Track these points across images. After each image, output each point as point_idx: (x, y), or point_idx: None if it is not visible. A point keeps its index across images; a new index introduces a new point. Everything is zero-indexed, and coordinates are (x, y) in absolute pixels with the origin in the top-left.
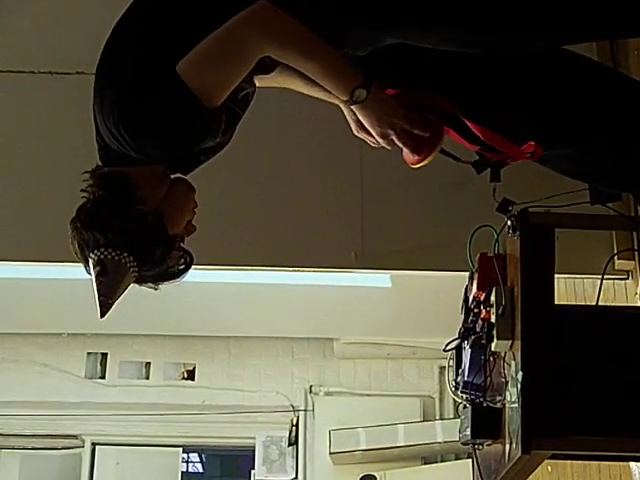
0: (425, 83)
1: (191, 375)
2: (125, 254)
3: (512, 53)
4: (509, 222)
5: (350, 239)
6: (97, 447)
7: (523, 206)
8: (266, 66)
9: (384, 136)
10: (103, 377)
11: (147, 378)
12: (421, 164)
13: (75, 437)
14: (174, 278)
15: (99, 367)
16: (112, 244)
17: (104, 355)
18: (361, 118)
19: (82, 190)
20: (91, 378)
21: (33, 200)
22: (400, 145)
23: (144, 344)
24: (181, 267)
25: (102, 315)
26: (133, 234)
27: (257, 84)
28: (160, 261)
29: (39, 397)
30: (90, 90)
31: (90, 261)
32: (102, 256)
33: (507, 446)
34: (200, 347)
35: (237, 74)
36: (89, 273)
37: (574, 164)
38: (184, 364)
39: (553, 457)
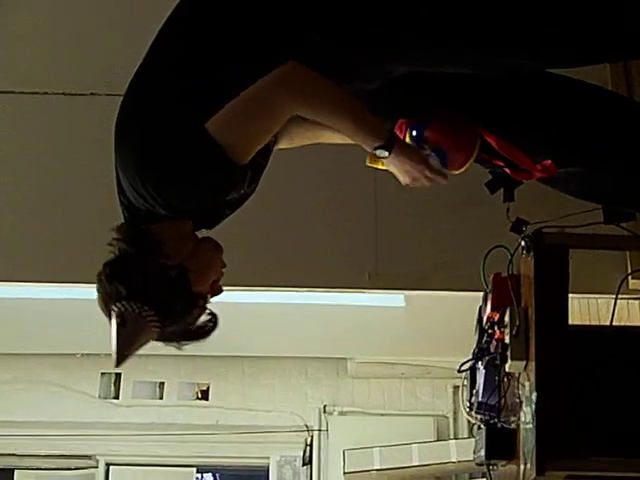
0: (444, 96)
1: (205, 395)
2: (146, 307)
3: (521, 74)
4: (523, 242)
5: (364, 259)
6: (111, 467)
7: (537, 226)
8: None
9: (415, 182)
10: (117, 397)
11: (161, 398)
12: (462, 169)
13: (89, 457)
14: (198, 338)
15: (113, 387)
16: (133, 297)
17: (118, 375)
18: (390, 169)
19: (108, 244)
20: (105, 398)
21: (45, 221)
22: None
23: (158, 364)
24: (206, 328)
25: (117, 366)
26: (154, 287)
27: (290, 145)
28: (181, 317)
29: (53, 417)
30: (103, 111)
31: (112, 313)
32: (123, 308)
33: (522, 467)
34: (214, 367)
35: (267, 133)
36: (111, 326)
37: (586, 185)
38: (198, 384)
39: (568, 478)
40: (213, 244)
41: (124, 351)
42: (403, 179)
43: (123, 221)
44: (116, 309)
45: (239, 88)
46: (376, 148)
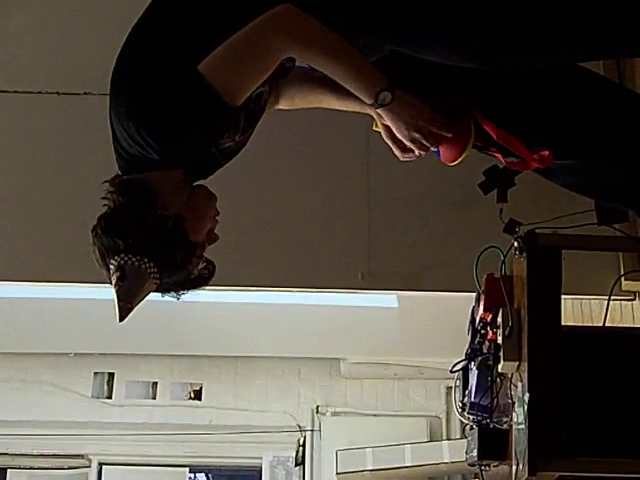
0: (442, 83)
1: (198, 395)
2: (145, 259)
3: (520, 69)
4: (516, 243)
5: (357, 260)
6: (104, 467)
7: (530, 227)
8: (284, 70)
9: (413, 140)
10: (110, 397)
11: (154, 398)
12: (458, 160)
13: (82, 457)
14: (196, 286)
15: (106, 387)
16: (132, 249)
17: (111, 375)
18: (389, 123)
19: (102, 198)
20: (98, 398)
21: (41, 220)
22: (431, 148)
23: (151, 364)
24: (204, 277)
25: (121, 319)
26: (153, 239)
27: (291, 106)
28: (181, 267)
29: (46, 417)
30: (97, 111)
31: (110, 267)
32: (122, 261)
33: (514, 467)
34: (207, 367)
35: (261, 73)
36: (110, 280)
37: (582, 178)
38: (191, 384)
39: (560, 479)
40: (206, 191)
41: (127, 304)
42: (403, 135)
43: (115, 175)
44: (115, 262)
45: (229, 30)
46: (379, 92)
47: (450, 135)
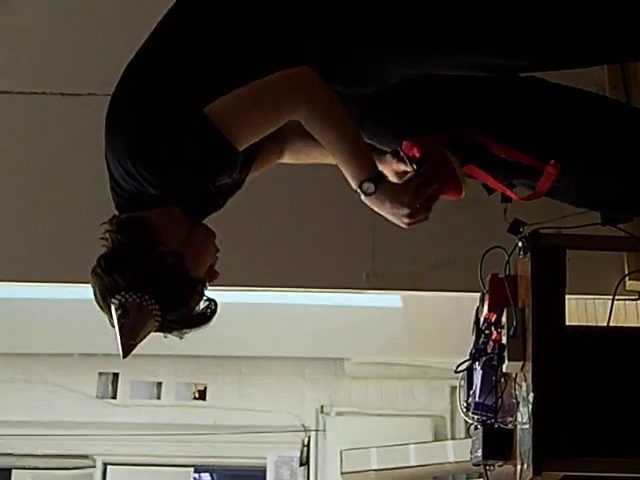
0: (446, 114)
1: (202, 395)
2: (146, 297)
3: (518, 75)
4: (520, 243)
5: (361, 260)
6: (108, 467)
7: (534, 227)
8: None
9: (409, 223)
10: (114, 397)
11: (158, 398)
12: (462, 196)
13: (86, 457)
14: (199, 324)
15: (110, 387)
16: (133, 287)
17: (115, 375)
18: (371, 207)
19: (101, 238)
20: (102, 398)
21: (44, 220)
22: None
23: (155, 364)
24: (207, 314)
25: (125, 356)
26: (153, 275)
27: (295, 160)
28: (182, 304)
29: (50, 417)
30: (101, 112)
31: (112, 307)
32: (123, 299)
33: (518, 467)
34: (211, 367)
35: (269, 127)
36: (111, 320)
37: (581, 191)
38: (195, 384)
39: (565, 478)
40: (205, 229)
41: (130, 341)
42: (389, 218)
43: (112, 215)
44: (116, 301)
45: (234, 77)
46: (364, 181)
47: (426, 216)
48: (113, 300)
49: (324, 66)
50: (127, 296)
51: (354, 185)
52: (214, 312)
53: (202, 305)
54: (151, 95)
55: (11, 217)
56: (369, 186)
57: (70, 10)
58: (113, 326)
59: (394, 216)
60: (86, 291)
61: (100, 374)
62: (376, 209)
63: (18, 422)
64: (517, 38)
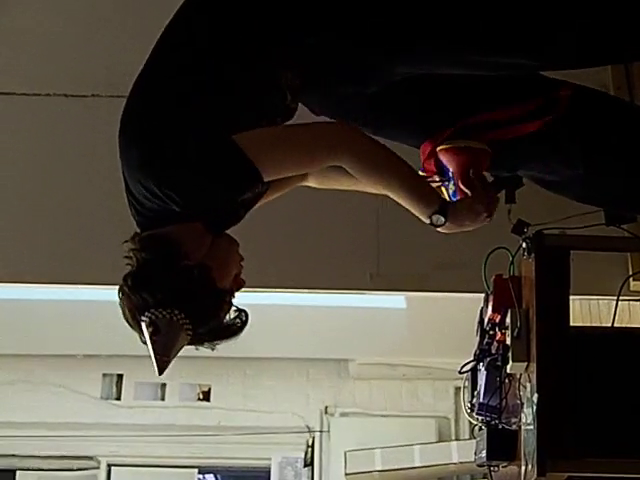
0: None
1: (207, 396)
2: (176, 312)
3: (522, 75)
4: (524, 244)
5: (365, 260)
6: (113, 468)
7: (538, 228)
8: (289, 111)
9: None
10: (119, 398)
11: (163, 399)
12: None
13: (91, 458)
14: (230, 336)
15: (115, 388)
16: (162, 303)
17: (120, 376)
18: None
19: (125, 257)
20: (107, 399)
21: (49, 222)
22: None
23: None
24: (237, 325)
25: (160, 373)
26: (181, 290)
27: (318, 185)
28: (212, 315)
29: (55, 418)
30: (105, 113)
31: (143, 324)
32: (153, 317)
33: (523, 468)
34: (215, 368)
35: (298, 171)
36: (143, 339)
37: (586, 188)
38: (199, 385)
39: (569, 479)
40: (228, 238)
41: (164, 357)
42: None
43: (134, 233)
44: (146, 319)
45: (248, 94)
46: (432, 215)
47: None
48: (143, 318)
49: (324, 66)
50: (157, 313)
51: (424, 220)
52: (245, 322)
53: (232, 315)
54: (171, 112)
55: (14, 218)
56: (438, 218)
57: (74, 11)
58: (145, 343)
59: (478, 223)
60: (89, 292)
61: (104, 375)
62: (460, 230)
63: (22, 423)
64: (518, 38)
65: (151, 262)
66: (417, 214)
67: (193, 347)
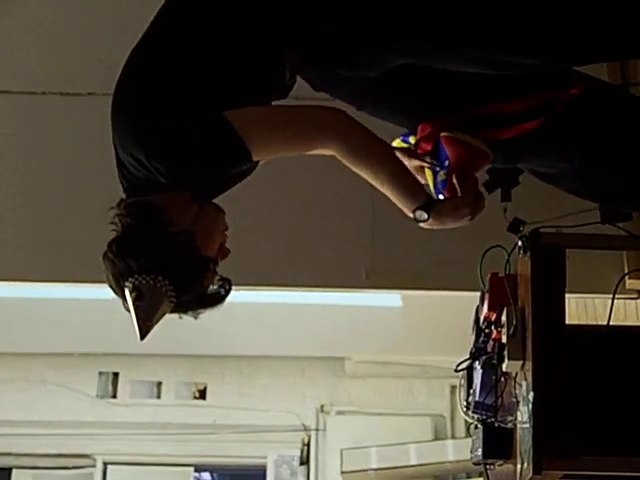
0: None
1: (202, 394)
2: (160, 277)
3: (526, 72)
4: (520, 242)
5: (361, 258)
6: (109, 466)
7: (534, 226)
8: (285, 88)
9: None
10: (115, 396)
11: (158, 397)
12: None
13: (87, 456)
14: (214, 304)
15: (110, 386)
16: (146, 269)
17: (115, 375)
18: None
19: (110, 222)
20: (103, 397)
21: (44, 220)
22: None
23: (155, 364)
24: (221, 293)
25: (142, 338)
26: (165, 256)
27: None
28: (196, 283)
29: (50, 416)
30: (101, 111)
31: (126, 290)
32: (137, 282)
33: (519, 466)
34: (211, 367)
35: (285, 151)
36: (126, 304)
37: (583, 181)
38: (195, 383)
39: (565, 477)
40: (214, 207)
41: (147, 322)
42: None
43: (120, 199)
44: (130, 284)
45: (245, 70)
46: (415, 210)
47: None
48: (127, 283)
49: (326, 51)
50: (140, 278)
51: (407, 213)
52: (228, 291)
53: (216, 284)
54: (163, 88)
55: (11, 217)
56: (421, 214)
57: (70, 9)
58: (128, 310)
59: (459, 224)
60: (86, 291)
61: (100, 373)
62: (439, 227)
63: (18, 421)
64: (519, 35)
65: (136, 228)
66: (401, 207)
67: (179, 315)
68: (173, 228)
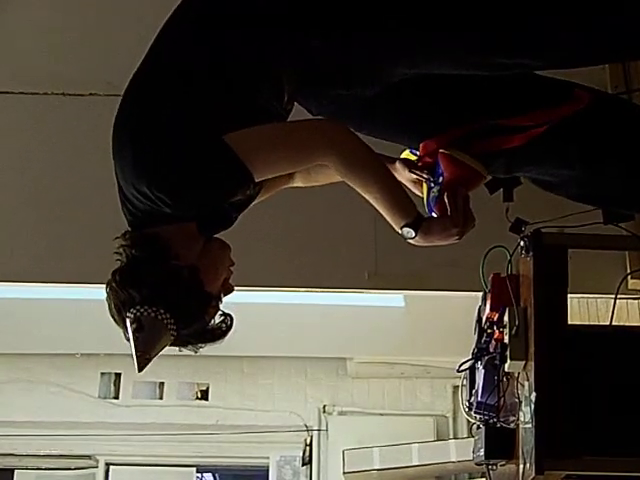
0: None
1: (205, 395)
2: (161, 310)
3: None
4: (522, 242)
5: (363, 259)
6: (111, 467)
7: (536, 226)
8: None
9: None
10: (117, 397)
11: (161, 398)
12: None
13: (89, 457)
14: (214, 339)
15: (113, 387)
16: (148, 301)
17: (117, 375)
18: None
19: (115, 252)
20: (105, 398)
21: (46, 221)
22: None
23: (157, 364)
24: (222, 329)
25: (140, 370)
26: (168, 289)
27: (304, 183)
28: (197, 317)
29: (53, 417)
30: (103, 111)
31: (127, 320)
32: (138, 313)
33: (521, 466)
34: (213, 367)
35: (289, 169)
36: (126, 334)
37: (584, 187)
38: (198, 384)
39: (567, 478)
40: (220, 243)
41: (145, 355)
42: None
43: (125, 231)
44: (131, 315)
45: (245, 94)
46: (403, 226)
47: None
48: (128, 314)
49: (324, 68)
50: (142, 310)
51: (397, 230)
52: (229, 327)
53: (217, 319)
54: (164, 114)
55: (12, 217)
56: (408, 231)
57: (72, 10)
58: (128, 340)
59: (446, 243)
60: (88, 291)
61: (102, 374)
62: (427, 245)
63: (20, 422)
64: (519, 38)
65: (141, 259)
66: (390, 222)
67: (179, 348)
68: (178, 262)
